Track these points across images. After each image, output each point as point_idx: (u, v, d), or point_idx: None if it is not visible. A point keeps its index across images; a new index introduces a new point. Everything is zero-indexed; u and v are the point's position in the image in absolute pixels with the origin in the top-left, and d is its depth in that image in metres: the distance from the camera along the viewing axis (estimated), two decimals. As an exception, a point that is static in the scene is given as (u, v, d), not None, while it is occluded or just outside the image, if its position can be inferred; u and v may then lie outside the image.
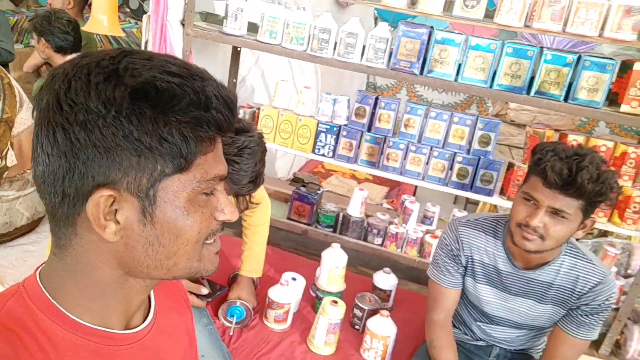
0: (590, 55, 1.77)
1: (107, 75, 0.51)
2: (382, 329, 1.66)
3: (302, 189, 2.31)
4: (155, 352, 0.67)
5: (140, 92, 0.50)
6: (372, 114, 2.09)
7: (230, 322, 1.69)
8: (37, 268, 0.61)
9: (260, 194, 1.77)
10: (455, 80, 1.89)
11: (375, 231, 2.25)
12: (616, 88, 1.84)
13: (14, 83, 1.96)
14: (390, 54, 1.94)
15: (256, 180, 1.39)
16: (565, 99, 1.82)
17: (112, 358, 0.61)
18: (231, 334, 1.69)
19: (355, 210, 2.25)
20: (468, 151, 2.02)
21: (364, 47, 1.98)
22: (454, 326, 1.67)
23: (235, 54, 2.48)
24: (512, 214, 1.35)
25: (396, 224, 2.27)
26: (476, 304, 1.55)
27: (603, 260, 2.04)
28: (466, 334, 1.65)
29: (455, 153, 2.02)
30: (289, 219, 2.33)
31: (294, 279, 1.89)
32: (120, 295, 0.60)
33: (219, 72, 2.72)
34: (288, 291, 1.76)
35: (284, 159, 3.97)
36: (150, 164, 0.52)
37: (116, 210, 0.54)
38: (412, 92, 6.15)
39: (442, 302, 1.55)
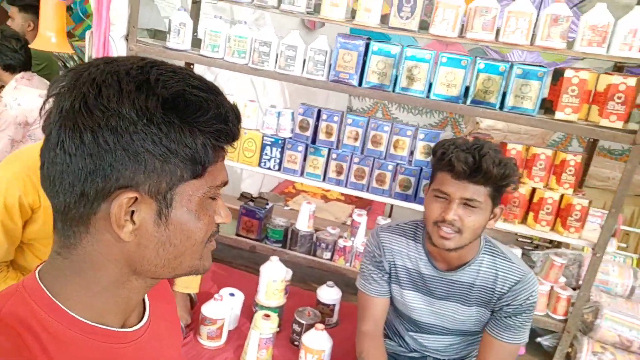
0: (522, 64, 1.79)
1: (139, 84, 0.55)
2: (316, 343, 1.61)
3: (250, 204, 2.28)
4: (151, 351, 0.70)
5: (171, 102, 0.55)
6: (315, 127, 2.08)
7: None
8: (36, 268, 0.63)
9: None
10: (393, 90, 1.90)
11: (323, 245, 2.22)
12: (551, 96, 1.85)
13: None
14: (330, 66, 1.95)
15: None
16: (501, 108, 1.83)
17: (111, 356, 0.63)
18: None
19: (303, 224, 2.22)
20: (410, 162, 2.01)
21: (304, 60, 1.98)
22: (389, 337, 1.63)
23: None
24: (427, 214, 1.34)
25: (345, 238, 2.23)
26: (405, 312, 1.51)
27: (550, 270, 2.01)
28: (400, 346, 1.60)
29: (397, 164, 2.01)
30: (237, 234, 2.29)
31: (231, 294, 1.84)
32: (121, 295, 0.63)
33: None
34: (221, 306, 1.71)
35: (252, 179, 3.95)
36: (172, 169, 0.57)
37: (133, 211, 0.57)
38: (387, 114, 6.20)
39: (370, 312, 1.51)
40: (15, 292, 0.60)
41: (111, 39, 2.09)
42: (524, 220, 1.97)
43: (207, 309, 1.69)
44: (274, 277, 1.79)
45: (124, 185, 0.56)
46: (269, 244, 2.26)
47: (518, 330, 1.38)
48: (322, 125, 2.06)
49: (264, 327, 1.60)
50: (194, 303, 1.85)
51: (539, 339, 2.05)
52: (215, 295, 1.72)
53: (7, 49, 2.37)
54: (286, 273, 1.96)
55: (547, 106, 1.86)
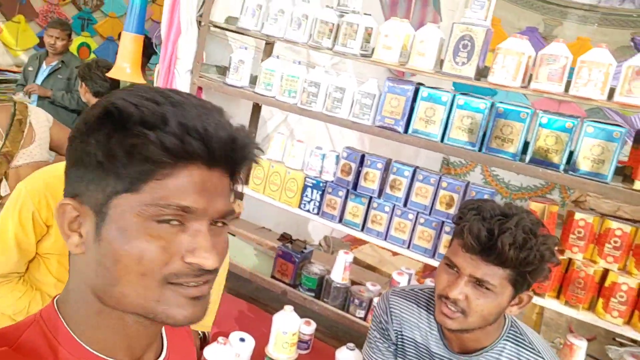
0: (593, 121, 1.52)
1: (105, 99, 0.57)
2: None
3: (288, 245, 2.19)
4: None
5: (108, 111, 0.54)
6: (358, 172, 1.96)
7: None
8: (55, 297, 0.62)
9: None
10: (442, 140, 1.72)
11: (357, 302, 2.03)
12: (631, 161, 1.53)
13: (32, 121, 2.15)
14: (377, 110, 1.84)
15: None
16: (566, 170, 1.56)
17: None
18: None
19: (337, 275, 2.07)
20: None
21: (352, 102, 1.90)
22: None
23: (256, 108, 2.53)
24: (435, 284, 1.14)
25: (382, 297, 2.03)
26: (409, 395, 1.29)
27: (624, 376, 1.62)
28: None
29: (443, 222, 1.79)
30: (272, 277, 2.21)
31: (242, 339, 1.74)
32: (116, 328, 0.59)
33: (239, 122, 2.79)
34: (224, 351, 1.61)
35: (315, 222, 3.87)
36: (105, 180, 0.54)
37: (81, 223, 0.56)
38: (487, 171, 5.79)
39: (372, 388, 1.31)
40: (33, 322, 0.59)
41: (176, 72, 2.21)
42: (591, 307, 1.62)
43: (209, 353, 1.60)
44: (284, 328, 1.66)
45: (71, 194, 0.57)
46: (302, 291, 2.14)
47: None
48: (365, 171, 1.93)
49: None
50: (207, 341, 1.78)
51: None
52: (219, 338, 1.63)
53: (97, 77, 2.62)
54: (302, 326, 1.82)
55: (627, 173, 1.54)
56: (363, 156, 1.94)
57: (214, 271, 0.57)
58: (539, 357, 1.12)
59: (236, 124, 0.58)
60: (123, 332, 0.59)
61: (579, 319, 1.60)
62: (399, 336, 1.28)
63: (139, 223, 0.53)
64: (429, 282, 2.12)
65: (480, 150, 1.67)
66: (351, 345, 1.78)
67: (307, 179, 2.05)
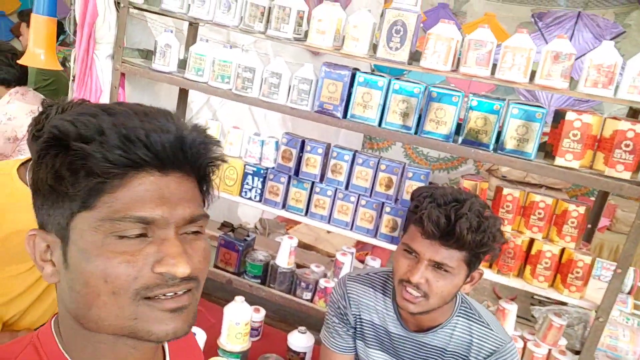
0: (518, 103, 1.63)
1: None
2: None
3: (230, 234, 2.16)
4: None
5: (50, 135, 0.53)
6: (299, 158, 1.96)
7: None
8: (52, 316, 0.61)
9: None
10: (379, 125, 1.77)
11: (304, 285, 2.07)
12: (551, 139, 1.68)
13: None
14: (315, 95, 1.84)
15: None
16: (495, 149, 1.67)
17: None
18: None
19: (283, 260, 2.08)
20: (397, 201, 1.86)
21: (289, 87, 1.88)
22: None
23: (183, 92, 2.42)
24: (394, 269, 1.20)
25: (327, 278, 2.08)
26: (368, 375, 1.35)
27: (548, 331, 1.81)
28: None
29: (383, 203, 1.86)
30: (215, 266, 2.17)
31: (192, 332, 1.71)
32: (105, 351, 0.57)
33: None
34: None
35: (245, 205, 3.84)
36: (60, 202, 0.53)
37: (52, 252, 0.55)
38: (407, 145, 6.02)
39: (331, 371, 1.36)
40: (29, 343, 0.59)
41: (96, 58, 2.05)
42: (520, 274, 1.78)
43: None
44: (237, 319, 1.66)
45: (39, 224, 0.56)
46: (247, 278, 2.13)
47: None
48: (306, 157, 1.94)
49: (216, 377, 1.46)
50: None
51: (533, 408, 1.83)
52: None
53: (1, 63, 2.36)
54: (255, 314, 1.82)
55: (548, 150, 1.69)
56: (303, 142, 1.94)
57: (193, 280, 0.56)
58: (488, 328, 1.22)
59: (188, 125, 0.56)
60: (113, 354, 0.58)
61: (511, 285, 1.75)
62: (358, 319, 1.33)
63: (98, 241, 0.52)
64: (370, 260, 2.20)
65: (416, 133, 1.73)
66: (302, 328, 1.81)
67: (247, 166, 2.02)
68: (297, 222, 4.02)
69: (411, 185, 1.82)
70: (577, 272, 1.67)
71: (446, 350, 1.24)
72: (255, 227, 3.72)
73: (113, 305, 0.52)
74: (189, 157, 0.55)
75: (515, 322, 1.85)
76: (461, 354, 1.23)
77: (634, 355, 1.87)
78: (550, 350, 1.80)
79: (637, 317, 2.11)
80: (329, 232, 3.93)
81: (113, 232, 0.52)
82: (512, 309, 1.82)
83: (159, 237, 0.53)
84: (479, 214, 1.08)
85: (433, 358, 1.26)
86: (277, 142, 2.01)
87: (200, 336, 1.72)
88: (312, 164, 1.93)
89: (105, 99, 2.01)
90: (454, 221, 1.07)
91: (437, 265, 1.12)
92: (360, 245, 3.76)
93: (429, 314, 1.19)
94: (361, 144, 6.05)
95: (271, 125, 3.73)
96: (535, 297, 2.42)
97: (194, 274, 0.55)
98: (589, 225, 1.92)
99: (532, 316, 2.13)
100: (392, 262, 1.21)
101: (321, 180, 1.94)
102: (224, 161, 0.61)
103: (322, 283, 2.04)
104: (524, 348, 1.81)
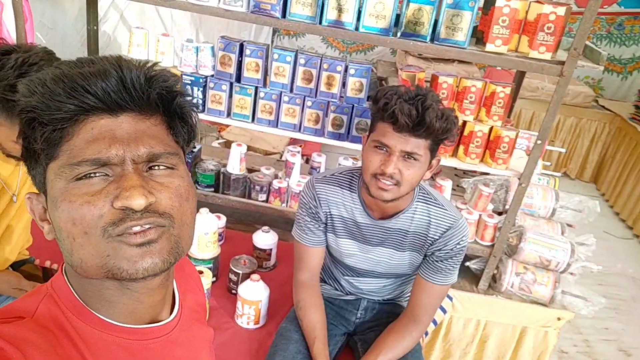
0: (453, -8, 1.68)
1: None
2: (253, 294, 1.60)
3: (176, 148, 2.13)
4: (182, 344, 0.69)
5: (18, 101, 0.57)
6: (239, 63, 1.91)
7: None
8: (61, 265, 0.63)
9: None
10: (320, 22, 1.75)
11: (258, 188, 2.15)
12: (482, 26, 1.78)
13: None
14: (250, -5, 1.75)
15: None
16: (432, 39, 1.75)
17: (142, 353, 0.63)
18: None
19: (234, 168, 2.12)
20: (341, 99, 1.92)
21: (220, -12, 1.77)
22: (325, 282, 1.65)
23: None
24: (366, 165, 1.30)
25: (279, 179, 2.17)
26: (340, 259, 1.52)
27: (478, 200, 2.08)
28: (336, 289, 1.63)
29: (328, 102, 1.92)
30: (165, 181, 2.17)
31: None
32: (106, 295, 0.60)
33: (71, 18, 2.41)
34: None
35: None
36: (35, 161, 0.57)
37: (47, 211, 0.58)
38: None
39: (306, 262, 1.51)
40: (45, 294, 0.61)
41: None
42: (454, 154, 1.98)
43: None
44: (205, 229, 1.72)
45: (37, 185, 0.60)
46: (200, 189, 2.16)
47: (448, 273, 1.42)
48: (246, 61, 1.90)
49: (198, 283, 1.56)
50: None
51: (467, 263, 2.16)
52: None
53: None
54: (219, 221, 1.90)
55: (479, 37, 1.80)
56: (242, 45, 1.88)
57: (162, 215, 0.56)
58: (443, 209, 1.40)
59: (134, 65, 0.56)
60: (113, 298, 0.60)
61: (447, 165, 1.95)
62: (328, 215, 1.45)
63: (62, 187, 0.55)
64: (316, 157, 2.31)
65: (356, 29, 1.75)
66: (266, 228, 1.93)
67: (183, 76, 1.94)
68: (227, 125, 3.98)
69: (354, 82, 1.88)
70: (504, 147, 1.90)
71: (408, 231, 1.42)
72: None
73: (88, 245, 0.54)
74: (136, 97, 0.56)
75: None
76: (421, 233, 1.42)
77: (545, 209, 2.23)
78: (480, 215, 2.09)
79: (546, 177, 2.46)
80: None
81: (73, 176, 0.54)
82: (447, 184, 2.05)
83: (118, 174, 0.55)
84: (440, 103, 1.20)
85: (397, 239, 1.44)
86: (212, 48, 1.93)
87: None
88: (254, 69, 1.90)
89: (8, 15, 1.78)
90: (422, 112, 1.18)
91: (408, 155, 1.24)
92: (292, 140, 3.85)
93: (394, 202, 1.34)
94: (272, 31, 5.85)
95: (178, 24, 3.49)
96: (457, 168, 2.71)
97: (162, 210, 0.56)
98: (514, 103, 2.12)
99: (458, 186, 2.40)
100: (361, 160, 1.32)
101: (264, 84, 1.93)
102: (182, 95, 0.60)
103: (276, 184, 2.13)
104: (460, 216, 2.08)
